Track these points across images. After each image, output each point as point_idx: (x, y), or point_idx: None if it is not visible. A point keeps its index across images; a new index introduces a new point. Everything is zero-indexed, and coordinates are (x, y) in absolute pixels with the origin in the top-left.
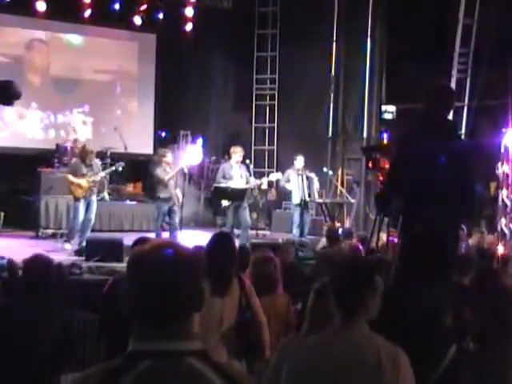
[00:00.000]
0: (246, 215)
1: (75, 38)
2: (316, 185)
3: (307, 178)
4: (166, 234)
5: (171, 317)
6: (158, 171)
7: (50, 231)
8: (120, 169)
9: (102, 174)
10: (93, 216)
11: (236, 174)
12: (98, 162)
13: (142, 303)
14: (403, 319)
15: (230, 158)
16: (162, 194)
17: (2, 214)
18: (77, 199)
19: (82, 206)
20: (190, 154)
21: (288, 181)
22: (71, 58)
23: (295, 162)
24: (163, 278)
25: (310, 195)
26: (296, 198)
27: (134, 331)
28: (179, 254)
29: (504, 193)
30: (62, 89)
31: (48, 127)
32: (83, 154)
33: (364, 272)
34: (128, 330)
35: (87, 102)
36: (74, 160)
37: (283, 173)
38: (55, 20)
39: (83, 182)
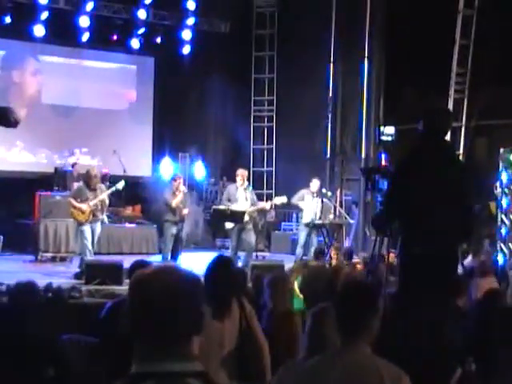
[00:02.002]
0: (251, 238)
1: (72, 63)
2: (331, 216)
3: (322, 201)
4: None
5: (173, 339)
6: (167, 195)
7: (49, 254)
8: (120, 187)
9: (104, 195)
10: (95, 240)
11: (241, 196)
12: (102, 187)
13: (144, 326)
14: (406, 344)
15: (229, 180)
16: (170, 218)
17: (1, 237)
18: (80, 224)
19: (87, 229)
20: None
21: (302, 199)
22: (68, 83)
23: (311, 185)
24: (165, 301)
25: (320, 218)
26: (306, 218)
27: (137, 353)
28: (181, 278)
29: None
30: (57, 115)
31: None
32: (87, 179)
33: (368, 296)
34: (127, 352)
35: (84, 126)
36: (77, 184)
37: (283, 194)
38: (52, 44)
39: (84, 206)
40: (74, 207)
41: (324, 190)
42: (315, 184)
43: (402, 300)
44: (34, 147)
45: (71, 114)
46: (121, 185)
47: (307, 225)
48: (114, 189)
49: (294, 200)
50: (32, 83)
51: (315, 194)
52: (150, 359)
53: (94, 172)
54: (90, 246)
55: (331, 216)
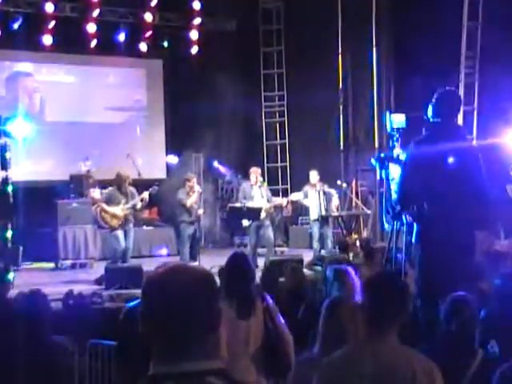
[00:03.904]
0: (269, 234)
1: (81, 70)
2: (335, 202)
3: (325, 193)
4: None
5: (188, 339)
6: (181, 195)
7: (69, 262)
8: (154, 192)
9: (136, 200)
10: (130, 244)
11: (256, 194)
12: (133, 190)
13: (158, 327)
14: (428, 330)
15: (244, 178)
16: (186, 218)
17: (21, 247)
18: (113, 229)
19: (120, 234)
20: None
21: (306, 197)
22: (78, 89)
23: (309, 178)
24: (178, 301)
25: (327, 210)
26: (314, 214)
27: (154, 355)
28: (193, 277)
29: None
30: (68, 127)
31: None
32: (120, 181)
33: (398, 287)
34: (145, 355)
35: (96, 134)
36: (93, 190)
37: (299, 189)
38: (60, 52)
39: (117, 210)
40: (106, 212)
41: (339, 182)
42: (314, 175)
43: (423, 287)
44: (47, 156)
45: (83, 125)
46: (154, 190)
47: (316, 220)
48: (151, 191)
49: (301, 199)
50: (32, 102)
51: (317, 187)
52: (167, 360)
53: (124, 175)
54: (121, 252)
55: (336, 202)
